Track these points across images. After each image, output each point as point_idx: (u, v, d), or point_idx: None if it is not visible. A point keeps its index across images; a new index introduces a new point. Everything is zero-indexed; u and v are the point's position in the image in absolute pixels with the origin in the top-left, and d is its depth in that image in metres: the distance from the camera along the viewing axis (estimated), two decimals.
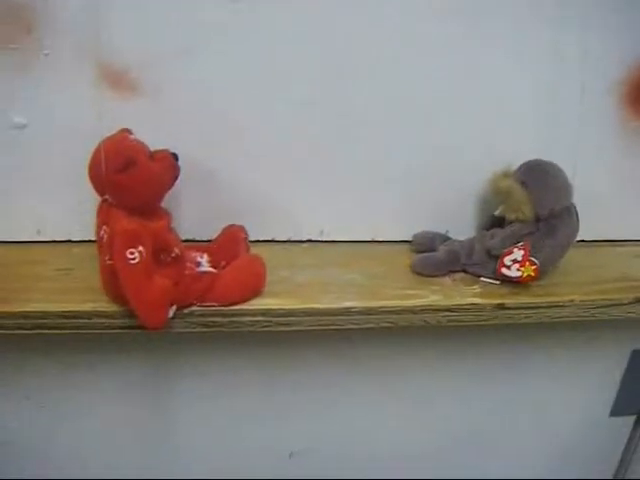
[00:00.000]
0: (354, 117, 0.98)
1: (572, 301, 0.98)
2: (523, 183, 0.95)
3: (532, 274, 0.95)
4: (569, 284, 1.01)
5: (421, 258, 1.01)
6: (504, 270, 0.96)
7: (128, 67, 0.90)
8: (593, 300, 0.99)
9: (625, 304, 1.00)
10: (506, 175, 0.98)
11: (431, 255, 1.02)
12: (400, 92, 0.98)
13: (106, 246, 0.81)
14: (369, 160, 1.02)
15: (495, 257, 0.97)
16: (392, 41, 0.94)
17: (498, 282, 0.99)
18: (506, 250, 0.96)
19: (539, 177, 0.96)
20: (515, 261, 0.95)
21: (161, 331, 0.86)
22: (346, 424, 1.24)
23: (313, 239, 1.07)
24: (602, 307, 1.00)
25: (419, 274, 1.00)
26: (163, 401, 1.16)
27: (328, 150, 1.00)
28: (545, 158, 0.98)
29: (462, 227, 1.08)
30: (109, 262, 0.81)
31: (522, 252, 0.95)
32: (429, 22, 0.94)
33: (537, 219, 0.96)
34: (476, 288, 0.99)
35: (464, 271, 1.02)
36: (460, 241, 1.03)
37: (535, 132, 1.03)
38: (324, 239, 1.07)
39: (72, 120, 0.92)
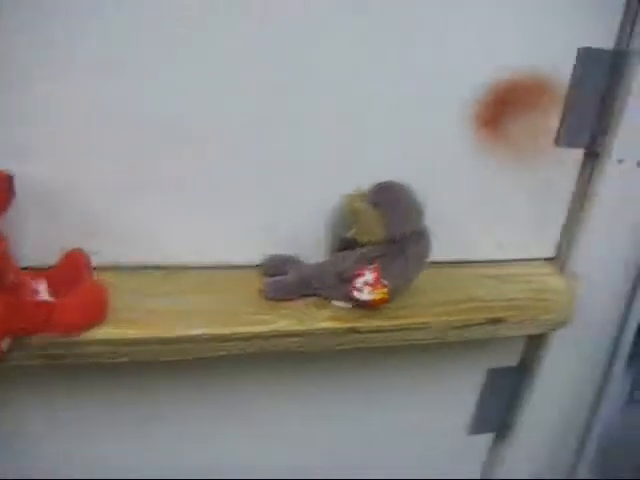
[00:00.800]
0: (196, 132, 0.95)
1: (425, 323, 0.99)
2: (375, 204, 0.95)
3: (384, 296, 0.95)
4: (421, 306, 1.02)
5: (271, 282, 0.99)
6: (356, 293, 0.95)
7: None
8: (446, 321, 1.01)
9: (477, 324, 1.02)
10: (359, 197, 0.97)
11: (282, 279, 1.00)
12: (239, 105, 0.95)
13: None
14: (220, 179, 0.99)
15: (347, 280, 0.96)
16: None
17: (350, 306, 0.99)
18: (357, 272, 0.95)
19: (391, 199, 0.96)
20: (367, 284, 0.94)
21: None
22: (198, 456, 1.22)
23: (163, 265, 1.03)
24: (455, 328, 1.01)
25: (271, 299, 0.98)
26: (13, 436, 1.09)
27: (178, 169, 0.96)
28: (395, 177, 0.98)
29: (315, 250, 1.06)
30: None
31: (374, 274, 0.94)
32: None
33: (389, 241, 0.96)
34: (327, 312, 0.98)
35: (315, 295, 1.00)
36: (311, 264, 1.02)
37: (386, 149, 1.03)
38: (176, 263, 1.03)
39: None
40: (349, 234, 0.98)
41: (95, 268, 0.95)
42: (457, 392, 1.30)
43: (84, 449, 1.14)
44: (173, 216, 1.00)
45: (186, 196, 0.99)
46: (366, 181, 0.99)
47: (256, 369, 1.13)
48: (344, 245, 1.01)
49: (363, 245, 0.97)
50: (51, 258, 0.94)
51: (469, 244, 1.13)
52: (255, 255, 1.06)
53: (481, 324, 1.02)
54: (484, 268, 1.16)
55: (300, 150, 1.00)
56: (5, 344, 0.81)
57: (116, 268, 1.00)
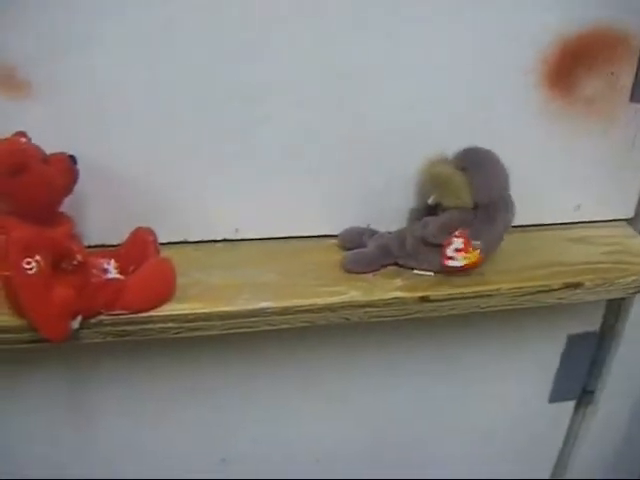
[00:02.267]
0: (267, 106, 0.93)
1: (498, 290, 0.96)
2: (464, 169, 0.92)
3: (476, 260, 0.93)
4: (496, 272, 0.99)
5: (352, 255, 0.97)
6: (449, 262, 0.93)
7: (15, 67, 0.84)
8: (520, 288, 0.97)
9: (555, 290, 0.98)
10: (443, 162, 0.94)
11: (362, 251, 0.98)
12: (319, 76, 0.92)
13: (3, 257, 0.76)
14: (283, 151, 0.97)
15: (430, 246, 0.94)
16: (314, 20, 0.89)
17: (432, 274, 0.97)
18: (445, 241, 0.92)
19: (480, 164, 0.93)
20: (458, 250, 0.92)
21: (69, 342, 0.82)
22: (275, 427, 1.22)
23: (228, 238, 1.02)
24: (530, 294, 0.98)
25: (350, 271, 0.96)
26: (83, 413, 1.12)
27: (239, 144, 0.95)
28: (467, 143, 0.95)
29: (384, 219, 1.04)
30: (6, 274, 0.77)
31: (462, 239, 0.92)
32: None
33: (475, 206, 0.93)
34: (398, 281, 0.95)
35: (396, 264, 0.98)
36: (390, 233, 1.00)
37: (456, 116, 0.99)
38: (239, 238, 1.03)
39: None
40: (431, 200, 0.95)
41: (160, 245, 0.95)
42: (537, 359, 1.26)
43: (151, 424, 1.17)
44: (236, 188, 0.99)
45: (250, 168, 0.98)
46: (437, 149, 0.96)
47: (327, 341, 1.12)
48: (424, 212, 0.99)
49: (445, 210, 0.94)
50: (118, 236, 0.95)
51: (546, 207, 1.09)
52: (319, 226, 1.05)
53: (559, 289, 0.98)
54: (562, 231, 1.12)
55: (372, 122, 0.97)
56: (75, 323, 0.81)
57: (181, 244, 1.01)
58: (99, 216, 0.95)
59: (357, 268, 0.97)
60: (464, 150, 0.95)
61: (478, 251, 0.93)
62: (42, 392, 1.08)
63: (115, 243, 0.95)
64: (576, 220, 1.14)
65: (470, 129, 0.98)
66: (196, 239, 1.02)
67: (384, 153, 1.00)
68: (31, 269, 0.74)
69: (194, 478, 1.23)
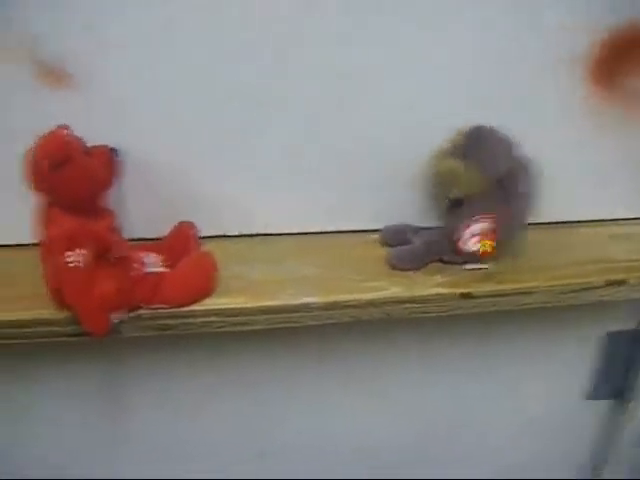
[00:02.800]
0: (299, 105, 0.93)
1: (539, 287, 0.95)
2: (464, 156, 0.90)
3: (490, 250, 0.93)
4: (537, 269, 0.98)
5: (398, 251, 0.97)
6: (462, 245, 0.94)
7: (61, 59, 0.85)
8: (562, 285, 0.96)
9: (597, 287, 0.97)
10: (446, 155, 0.92)
11: (409, 248, 0.97)
12: (336, 71, 0.92)
13: (48, 249, 0.77)
14: (317, 147, 0.97)
15: (458, 241, 0.94)
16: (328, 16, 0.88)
17: (486, 267, 0.97)
18: (462, 225, 0.93)
19: (475, 144, 0.90)
20: (472, 235, 0.93)
21: (109, 337, 0.82)
22: (315, 421, 1.22)
23: (264, 232, 1.03)
24: (572, 292, 0.96)
25: (395, 268, 0.96)
26: (120, 406, 1.13)
27: (274, 140, 0.95)
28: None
29: (416, 215, 1.04)
30: (51, 265, 0.77)
31: (479, 225, 0.92)
32: None
33: (488, 186, 0.90)
34: (438, 278, 0.95)
35: (441, 260, 0.98)
36: (432, 230, 0.99)
37: (495, 110, 0.96)
38: (276, 232, 1.03)
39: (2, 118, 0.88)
40: (452, 194, 0.94)
41: (201, 238, 0.95)
42: (575, 356, 1.25)
43: (189, 417, 1.17)
44: (275, 184, 0.99)
45: (288, 164, 0.98)
46: None
47: (367, 336, 1.12)
48: (452, 205, 0.97)
49: (469, 200, 0.93)
50: (158, 230, 0.95)
51: (586, 203, 1.08)
52: (355, 221, 1.05)
53: (601, 287, 0.97)
54: (602, 227, 1.10)
55: (403, 116, 0.97)
56: (116, 317, 0.81)
57: (221, 238, 1.01)
58: (140, 209, 0.95)
59: (403, 265, 0.96)
60: (463, 136, 0.92)
61: (491, 244, 0.93)
62: (79, 383, 1.09)
63: (154, 237, 0.96)
64: (616, 217, 1.13)
65: (512, 122, 0.95)
66: (235, 233, 1.02)
67: (416, 148, 0.98)
68: (74, 262, 0.74)
69: (231, 474, 1.24)
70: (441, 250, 0.97)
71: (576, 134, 1.02)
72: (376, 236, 1.03)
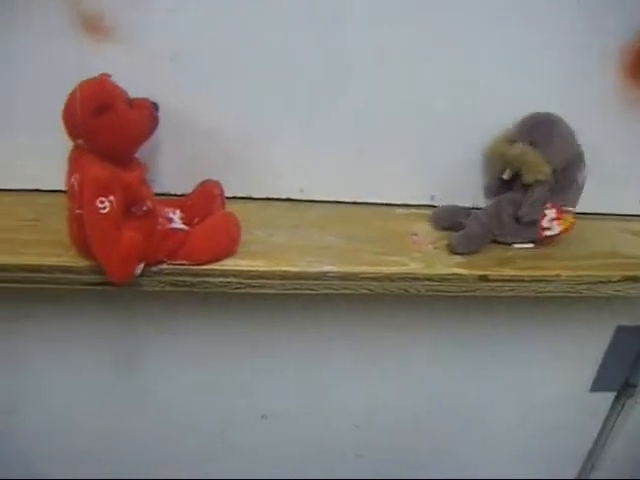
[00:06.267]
0: (337, 67, 0.93)
1: (558, 276, 0.95)
2: (532, 143, 0.92)
3: (569, 224, 0.97)
4: (556, 258, 0.98)
5: (461, 237, 0.97)
6: (546, 232, 0.97)
7: (103, 12, 0.85)
8: (580, 276, 0.96)
9: (613, 282, 0.97)
10: (509, 140, 0.95)
11: (469, 233, 0.97)
12: (388, 39, 0.92)
13: (76, 195, 0.77)
14: (354, 114, 0.97)
15: (529, 225, 0.97)
16: None
17: (532, 245, 1.00)
18: (539, 217, 0.96)
19: (546, 132, 0.93)
20: (552, 220, 0.96)
21: (129, 288, 0.83)
22: (322, 390, 1.23)
23: (292, 198, 1.03)
24: (588, 284, 0.97)
25: (458, 253, 0.96)
26: (133, 359, 1.14)
27: (311, 103, 0.95)
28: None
29: (448, 191, 1.05)
30: (78, 212, 0.77)
31: (554, 210, 0.95)
32: None
33: (554, 174, 0.93)
34: (458, 258, 0.95)
35: (495, 241, 0.99)
36: (484, 213, 0.99)
37: (530, 101, 0.97)
38: (304, 198, 1.03)
39: (43, 66, 0.88)
40: (506, 175, 0.96)
41: (227, 199, 0.95)
42: (584, 347, 1.26)
43: (196, 376, 1.18)
44: (307, 147, 0.99)
45: (323, 129, 0.98)
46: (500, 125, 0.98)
47: (380, 310, 1.12)
48: (499, 186, 1.00)
49: (528, 184, 0.94)
50: (185, 186, 0.95)
51: (610, 196, 1.07)
52: (387, 194, 1.05)
53: (619, 281, 0.97)
54: (624, 222, 1.11)
55: (441, 92, 0.97)
56: (139, 269, 0.82)
57: (247, 200, 1.01)
58: (168, 164, 0.96)
59: (466, 249, 0.97)
60: (529, 122, 0.95)
61: (570, 215, 0.96)
62: (93, 333, 1.09)
63: (181, 193, 0.96)
64: (635, 213, 1.13)
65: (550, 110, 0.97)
66: (261, 196, 1.02)
67: (453, 130, 1.00)
68: (104, 208, 0.75)
69: (234, 434, 1.26)
70: (497, 231, 0.98)
71: (608, 125, 1.02)
72: (402, 211, 1.05)
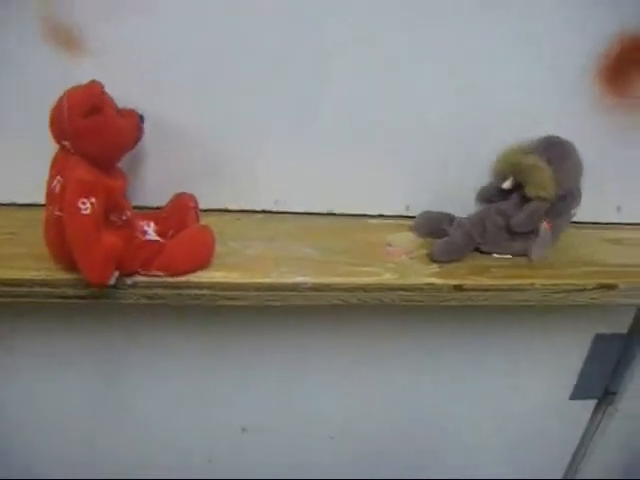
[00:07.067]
0: (311, 84, 0.94)
1: (532, 285, 0.95)
2: (548, 161, 0.93)
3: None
4: (532, 267, 0.99)
5: (442, 245, 0.97)
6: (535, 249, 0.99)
7: (76, 25, 0.86)
8: (555, 285, 0.96)
9: (588, 290, 0.97)
10: (524, 151, 0.95)
11: (450, 241, 0.97)
12: (366, 53, 0.93)
13: (57, 197, 0.78)
14: (328, 128, 0.98)
15: (513, 233, 0.97)
16: None
17: (510, 256, 1.00)
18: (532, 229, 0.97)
19: (562, 156, 0.94)
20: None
21: (104, 301, 0.84)
22: (299, 402, 1.22)
23: (267, 209, 1.03)
24: (564, 292, 0.97)
25: (438, 262, 0.97)
26: (111, 372, 1.13)
27: (286, 117, 0.96)
28: (520, 130, 0.97)
29: (423, 201, 1.05)
30: (57, 214, 0.78)
31: (548, 227, 0.97)
32: None
33: (556, 197, 0.94)
34: (435, 267, 0.95)
35: (477, 250, 1.00)
36: (469, 219, 0.99)
37: (505, 106, 1.00)
38: (279, 210, 1.03)
39: (17, 81, 0.89)
40: (507, 185, 0.96)
41: (201, 211, 0.96)
42: (563, 355, 1.26)
43: (178, 389, 1.18)
44: (283, 166, 1.00)
45: (301, 140, 0.99)
46: (481, 132, 0.99)
47: (359, 320, 1.13)
48: (492, 194, 1.00)
49: (524, 199, 0.95)
50: (160, 199, 0.96)
51: (587, 205, 1.07)
52: (361, 205, 1.06)
53: (592, 289, 0.97)
54: (601, 230, 1.11)
55: (422, 101, 0.98)
56: (114, 278, 0.82)
57: (222, 212, 1.02)
58: (144, 177, 0.97)
59: (447, 257, 0.97)
60: (547, 141, 0.96)
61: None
62: (77, 348, 1.10)
63: (156, 205, 0.97)
64: (616, 221, 1.13)
65: (522, 117, 0.99)
66: (236, 208, 1.02)
67: (428, 140, 1.01)
68: (86, 209, 0.76)
69: (214, 446, 1.26)
70: (480, 240, 0.98)
71: (583, 132, 1.01)
72: (377, 221, 1.05)
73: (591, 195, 1.04)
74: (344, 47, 0.91)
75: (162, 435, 1.23)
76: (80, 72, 0.85)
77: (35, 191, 0.83)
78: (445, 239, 0.98)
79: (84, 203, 0.75)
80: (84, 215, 0.75)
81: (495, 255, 1.00)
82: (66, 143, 0.78)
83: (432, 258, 0.97)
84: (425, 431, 1.32)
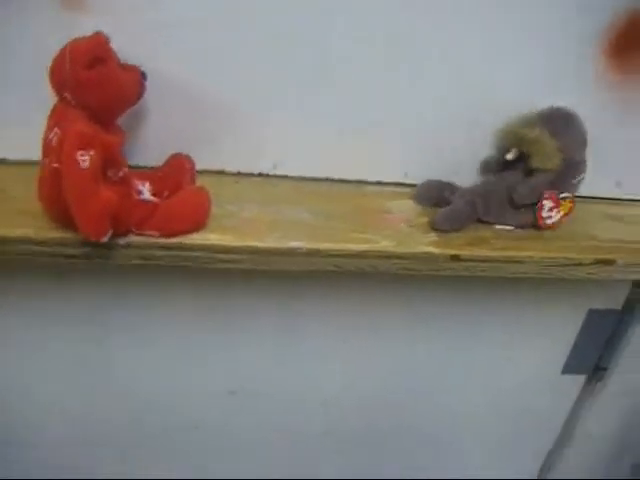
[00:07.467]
0: (323, 52, 0.93)
1: (530, 258, 0.95)
2: (552, 132, 0.93)
3: (569, 209, 0.98)
4: (531, 240, 0.98)
5: (445, 213, 0.96)
6: (546, 221, 0.98)
7: None
8: (552, 258, 0.96)
9: (585, 265, 0.97)
10: (528, 122, 0.94)
11: (453, 209, 0.97)
12: (372, 29, 0.92)
13: (54, 149, 0.77)
14: (336, 97, 0.97)
15: (520, 207, 0.97)
16: None
17: (513, 227, 1.00)
18: (537, 205, 0.96)
19: (568, 127, 0.95)
20: (551, 209, 0.97)
21: (97, 261, 0.84)
22: (290, 367, 1.22)
23: (265, 173, 1.02)
24: (561, 266, 0.97)
25: (439, 230, 0.96)
26: (101, 333, 1.12)
27: (295, 84, 0.95)
28: (528, 102, 0.96)
29: (420, 168, 1.04)
30: (54, 166, 0.77)
31: (551, 200, 0.96)
32: None
33: (560, 168, 0.95)
34: (433, 236, 0.95)
35: (479, 220, 0.99)
36: (472, 189, 0.99)
37: (508, 82, 0.99)
38: (277, 173, 1.02)
39: (19, 38, 0.87)
40: (511, 156, 0.96)
41: (198, 172, 0.95)
42: (556, 330, 1.26)
43: (163, 352, 1.17)
44: (282, 129, 0.99)
45: (296, 108, 0.97)
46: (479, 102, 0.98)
47: (355, 287, 1.12)
48: (497, 165, 1.00)
49: (529, 170, 0.95)
50: (157, 159, 0.95)
51: (590, 180, 1.05)
52: (357, 171, 1.04)
53: (590, 264, 0.97)
54: (600, 206, 1.11)
55: (429, 73, 0.97)
56: (106, 237, 0.80)
57: (219, 174, 1.00)
58: (141, 136, 0.95)
59: (448, 226, 0.96)
60: (549, 112, 0.95)
61: (568, 200, 0.97)
62: (63, 309, 1.08)
63: (153, 165, 0.95)
64: (616, 197, 1.13)
65: (529, 89, 0.99)
66: (233, 170, 1.01)
67: (428, 109, 1.00)
68: (85, 161, 0.74)
69: (201, 409, 1.26)
70: (483, 210, 0.98)
71: (587, 107, 0.99)
72: (375, 188, 1.04)
73: (592, 170, 1.03)
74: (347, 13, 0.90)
75: (146, 397, 1.22)
76: (81, 29, 0.82)
77: (28, 147, 0.81)
78: (448, 207, 0.97)
79: (83, 155, 0.74)
80: (83, 167, 0.74)
81: (497, 226, 0.99)
82: (67, 94, 0.76)
83: (433, 226, 0.96)
84: (417, 400, 1.32)
